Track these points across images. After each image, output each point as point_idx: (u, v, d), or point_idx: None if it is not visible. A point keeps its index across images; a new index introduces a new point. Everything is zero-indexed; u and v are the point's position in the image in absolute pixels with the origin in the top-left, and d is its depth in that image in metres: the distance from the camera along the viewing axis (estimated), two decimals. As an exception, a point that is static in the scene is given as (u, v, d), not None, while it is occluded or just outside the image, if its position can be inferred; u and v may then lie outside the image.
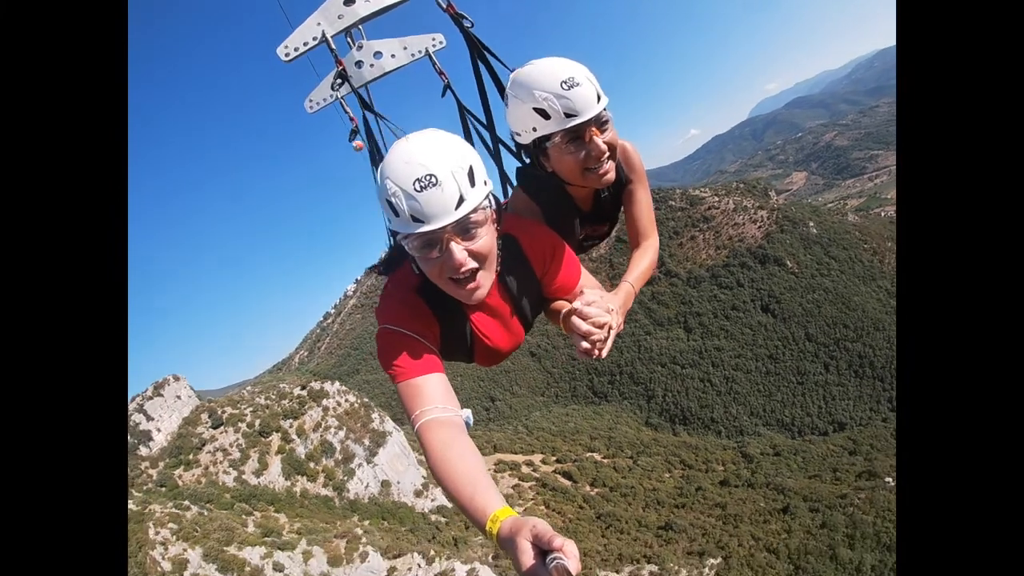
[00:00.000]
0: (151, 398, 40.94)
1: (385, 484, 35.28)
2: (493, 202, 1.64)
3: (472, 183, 1.55)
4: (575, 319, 1.82)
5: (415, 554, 26.32)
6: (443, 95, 3.18)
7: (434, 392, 1.61)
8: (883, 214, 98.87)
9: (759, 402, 64.10)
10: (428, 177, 1.48)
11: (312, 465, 34.14)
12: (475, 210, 1.55)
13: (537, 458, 48.90)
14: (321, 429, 35.63)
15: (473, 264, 1.60)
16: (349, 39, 3.16)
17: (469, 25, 2.81)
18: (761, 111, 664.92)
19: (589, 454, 52.22)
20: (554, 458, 49.00)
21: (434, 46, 3.38)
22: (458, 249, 1.56)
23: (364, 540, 26.27)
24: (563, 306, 2.01)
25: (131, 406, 40.42)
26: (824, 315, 67.84)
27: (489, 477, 1.40)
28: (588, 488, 45.22)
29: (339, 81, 3.10)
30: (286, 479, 33.79)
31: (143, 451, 36.93)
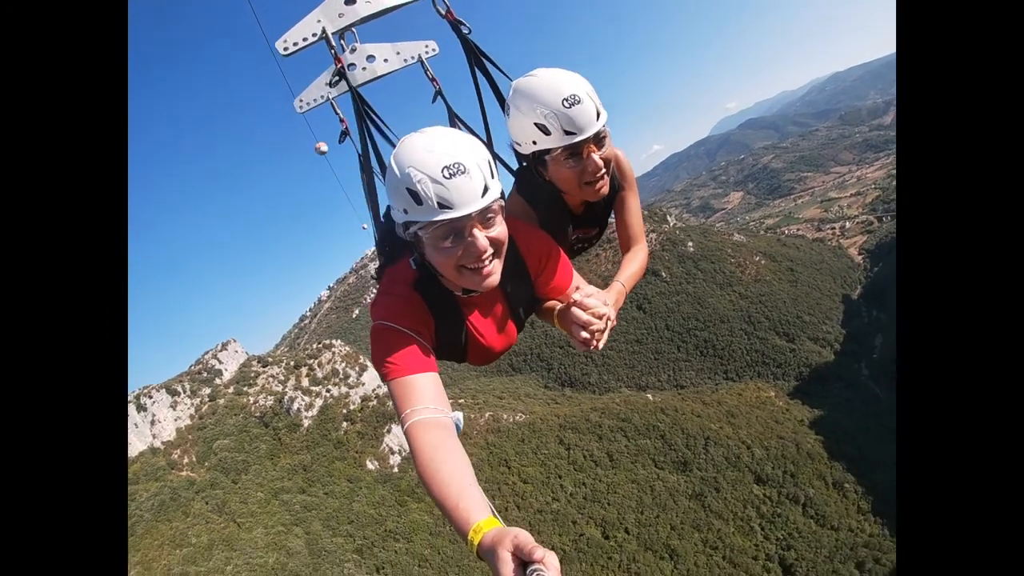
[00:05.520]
0: (220, 351, 61.85)
1: (365, 397, 58.64)
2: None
3: (492, 175, 1.57)
4: (575, 310, 1.83)
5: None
6: (433, 101, 3.13)
7: (426, 391, 1.56)
8: (785, 232, 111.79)
9: (624, 372, 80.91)
10: (456, 165, 1.47)
11: (325, 380, 57.99)
12: (495, 200, 1.56)
13: (461, 401, 69.70)
14: (331, 363, 59.34)
15: (492, 251, 1.60)
16: (342, 41, 3.10)
17: (467, 31, 2.71)
18: (720, 130, 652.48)
19: (498, 399, 74.38)
20: (473, 400, 70.41)
21: (427, 52, 3.35)
22: (481, 236, 1.56)
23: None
24: (556, 305, 2.03)
25: (207, 356, 61.25)
26: (682, 312, 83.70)
27: (475, 484, 1.35)
28: (488, 412, 67.85)
29: (336, 79, 2.94)
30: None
31: (218, 381, 59.78)
